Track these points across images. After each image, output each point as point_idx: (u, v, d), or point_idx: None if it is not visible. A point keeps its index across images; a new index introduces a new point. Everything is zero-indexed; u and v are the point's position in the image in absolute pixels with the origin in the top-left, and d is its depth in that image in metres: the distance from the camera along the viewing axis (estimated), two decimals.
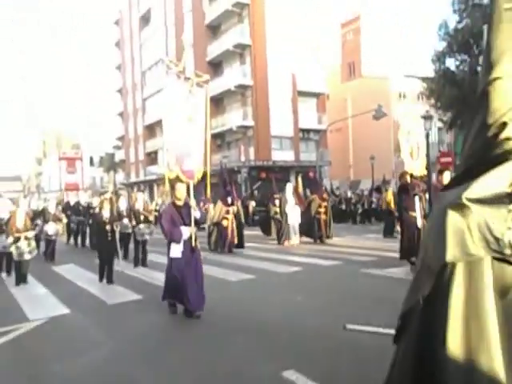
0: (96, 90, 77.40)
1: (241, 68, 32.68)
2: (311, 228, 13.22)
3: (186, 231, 5.36)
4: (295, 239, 12.99)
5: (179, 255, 5.32)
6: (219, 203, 12.03)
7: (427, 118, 16.90)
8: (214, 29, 35.31)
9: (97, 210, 9.03)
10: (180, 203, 5.52)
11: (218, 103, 35.51)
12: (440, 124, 28.17)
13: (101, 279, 7.91)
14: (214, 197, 13.06)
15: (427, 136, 18.16)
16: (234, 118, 32.64)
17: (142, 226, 9.92)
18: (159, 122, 45.61)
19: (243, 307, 5.92)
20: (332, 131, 36.43)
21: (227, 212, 11.81)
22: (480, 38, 17.97)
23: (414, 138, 8.78)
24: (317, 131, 34.44)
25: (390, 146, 37.43)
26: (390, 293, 6.44)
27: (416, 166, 8.49)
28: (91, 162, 63.86)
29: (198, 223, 5.66)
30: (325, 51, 35.92)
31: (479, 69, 21.71)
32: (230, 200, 11.90)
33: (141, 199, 10.47)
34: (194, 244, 5.43)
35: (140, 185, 49.58)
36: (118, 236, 8.05)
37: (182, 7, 39.30)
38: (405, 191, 8.24)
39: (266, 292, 6.82)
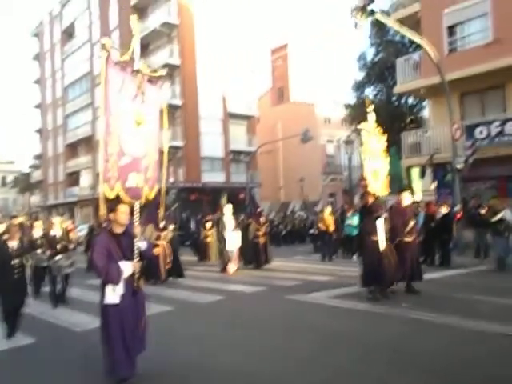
0: (10, 104, 71.98)
1: (170, 88, 32.16)
2: (249, 253, 12.57)
3: (127, 267, 3.95)
4: (234, 265, 11.94)
5: (116, 300, 3.91)
6: (150, 227, 10.50)
7: (348, 142, 17.74)
8: (143, 48, 34.54)
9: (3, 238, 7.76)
10: (119, 230, 4.06)
11: None
12: None
13: (10, 334, 5.91)
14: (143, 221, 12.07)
15: (349, 159, 19.04)
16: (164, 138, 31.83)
17: (58, 257, 8.02)
18: (83, 141, 43.51)
19: (150, 346, 5.35)
20: (262, 153, 36.91)
21: (158, 238, 10.44)
22: (393, 70, 19.30)
23: (375, 157, 8.06)
24: (247, 153, 34.69)
25: (318, 169, 38.71)
26: (313, 319, 6.31)
27: (379, 187, 7.78)
28: (3, 183, 58.76)
29: (143, 257, 4.19)
30: (256, 75, 36.67)
31: (394, 98, 23.42)
32: (162, 224, 10.65)
33: (58, 224, 8.67)
34: (136, 284, 4.08)
35: (59, 207, 46.36)
36: (29, 272, 6.71)
37: (108, 22, 38.18)
38: (366, 213, 7.61)
39: (181, 325, 6.32)
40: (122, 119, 4.05)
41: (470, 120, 15.82)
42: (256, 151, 32.46)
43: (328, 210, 14.83)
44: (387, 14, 20.31)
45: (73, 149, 45.87)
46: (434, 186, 15.70)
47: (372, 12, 10.66)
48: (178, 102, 31.43)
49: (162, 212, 4.99)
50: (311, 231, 18.12)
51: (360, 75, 25.06)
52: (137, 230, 4.15)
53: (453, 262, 11.49)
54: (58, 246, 8.15)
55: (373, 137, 7.98)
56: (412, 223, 7.99)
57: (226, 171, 34.17)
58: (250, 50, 35.11)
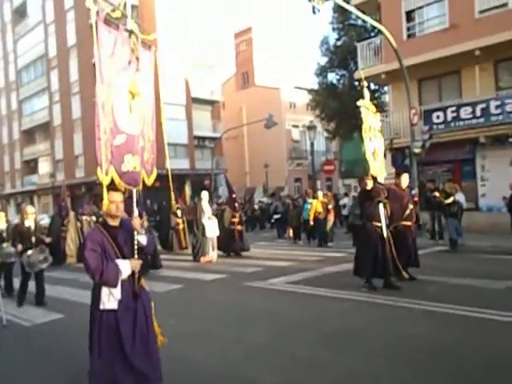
0: None
1: None
2: (225, 241, 11.92)
3: (126, 266, 3.28)
4: (214, 254, 11.43)
5: (114, 306, 3.25)
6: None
7: (311, 127, 17.77)
8: None
9: None
10: (114, 223, 3.40)
11: None
12: (326, 134, 29.84)
13: None
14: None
15: (312, 145, 19.13)
16: None
17: (29, 252, 6.96)
18: (40, 127, 41.66)
19: None
20: (228, 139, 36.57)
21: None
22: (356, 55, 19.39)
23: (375, 136, 7.55)
24: (212, 139, 34.27)
25: (283, 154, 38.80)
26: (268, 306, 6.30)
27: (379, 169, 7.28)
28: None
29: (143, 253, 3.53)
30: (219, 60, 36.02)
31: (356, 84, 23.60)
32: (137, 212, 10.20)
33: (32, 215, 7.51)
34: (137, 286, 3.41)
35: (17, 196, 44.49)
36: None
37: (62, 3, 36.39)
38: (367, 198, 7.11)
39: None
40: (114, 89, 3.37)
41: (427, 105, 16.14)
42: (221, 137, 32.11)
43: (320, 195, 14.16)
44: None
45: (29, 135, 43.89)
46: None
47: None
48: None
49: (172, 198, 3.99)
50: (275, 216, 18.17)
51: (323, 60, 25.11)
52: (136, 222, 3.46)
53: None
54: (33, 239, 7.21)
55: (371, 114, 7.47)
56: (411, 207, 7.66)
57: (191, 157, 33.68)
58: (213, 34, 34.39)
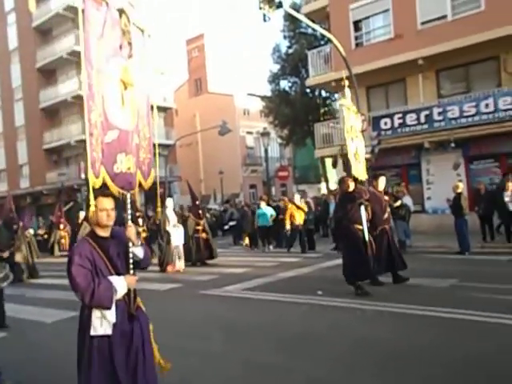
0: None
1: (78, 77, 29.99)
2: (190, 250, 11.49)
3: (121, 284, 2.82)
4: (181, 263, 11.03)
5: (108, 331, 2.77)
6: (84, 225, 9.24)
7: (264, 134, 17.95)
8: (44, 33, 31.85)
9: None
10: (104, 233, 2.93)
11: (52, 115, 32.02)
12: (280, 140, 30.17)
13: None
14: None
15: (266, 151, 19.26)
16: (73, 131, 29.71)
17: None
18: None
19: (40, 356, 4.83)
20: (182, 146, 36.07)
21: None
22: (307, 63, 19.81)
23: (356, 136, 7.33)
24: (166, 146, 33.66)
25: (238, 160, 38.81)
26: (223, 313, 6.19)
27: (361, 170, 7.10)
28: None
29: (140, 267, 3.07)
30: (171, 66, 35.58)
31: (307, 91, 24.10)
32: None
33: None
34: (133, 306, 2.97)
35: None
36: None
37: (2, 5, 34.61)
38: (348, 200, 6.89)
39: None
40: (104, 77, 2.88)
41: (375, 112, 16.74)
42: (174, 144, 31.60)
43: (296, 198, 13.40)
44: (299, 6, 20.75)
45: None
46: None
47: (280, 4, 10.67)
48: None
49: (158, 204, 3.32)
50: (231, 223, 18.07)
51: (275, 67, 25.41)
52: (130, 231, 2.92)
53: None
54: None
55: (352, 114, 7.33)
56: (388, 210, 7.64)
57: None
58: (164, 40, 33.93)
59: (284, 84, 25.44)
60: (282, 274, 9.12)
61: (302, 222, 12.90)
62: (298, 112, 23.49)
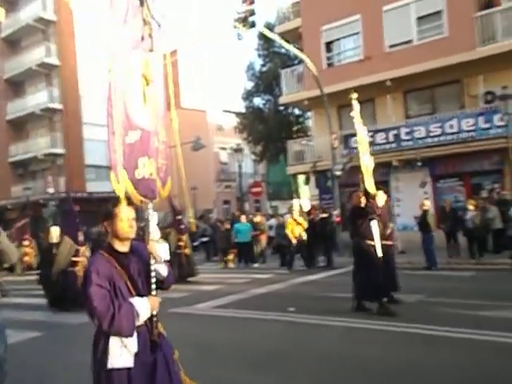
0: None
1: (47, 89, 29.44)
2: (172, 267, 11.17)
3: (144, 307, 2.45)
4: None
5: (129, 363, 2.38)
6: (66, 240, 8.60)
7: (238, 150, 18.10)
8: (13, 44, 31.22)
9: None
10: (123, 248, 2.57)
11: (19, 127, 31.17)
12: (254, 156, 30.37)
13: None
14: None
15: (239, 167, 19.37)
16: (40, 144, 29.00)
17: None
18: None
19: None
20: None
21: (76, 253, 8.53)
22: (280, 81, 20.19)
23: (367, 149, 7.07)
24: None
25: (211, 176, 38.72)
26: (192, 332, 6.08)
27: (371, 184, 6.79)
28: None
29: (164, 287, 2.70)
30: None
31: (281, 108, 24.50)
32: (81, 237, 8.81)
33: None
34: (155, 333, 2.56)
35: None
36: None
37: None
38: (359, 215, 6.69)
39: (53, 350, 5.66)
40: (127, 70, 2.62)
41: (346, 130, 17.14)
42: None
43: (295, 212, 12.84)
44: (273, 26, 21.19)
45: None
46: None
47: (253, 24, 10.89)
48: (56, 105, 28.90)
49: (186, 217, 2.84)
50: (203, 239, 17.90)
51: (249, 85, 25.76)
52: (153, 246, 2.61)
53: (335, 263, 12.27)
54: None
55: (361, 125, 7.12)
56: (391, 225, 7.44)
57: None
58: None
59: (258, 101, 25.82)
60: (254, 291, 9.08)
61: (302, 238, 12.50)
62: (271, 129, 23.79)
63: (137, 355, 2.39)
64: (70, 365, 4.96)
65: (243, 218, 14.56)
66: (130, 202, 2.55)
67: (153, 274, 2.58)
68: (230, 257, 15.37)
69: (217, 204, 38.08)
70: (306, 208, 13.38)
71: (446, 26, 14.96)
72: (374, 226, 6.55)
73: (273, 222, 18.36)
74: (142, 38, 2.74)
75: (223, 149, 39.49)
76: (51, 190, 27.46)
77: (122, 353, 2.36)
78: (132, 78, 2.66)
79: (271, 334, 5.81)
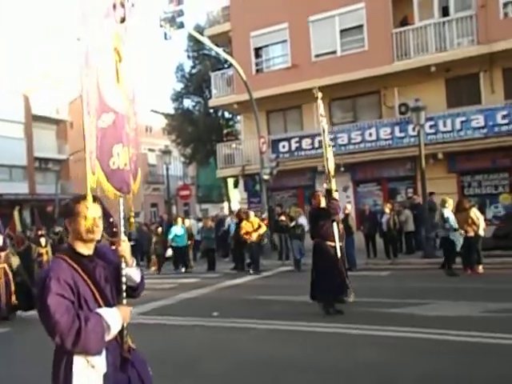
0: None
1: None
2: None
3: (115, 318, 2.09)
4: None
5: (99, 383, 2.04)
6: None
7: (166, 152, 17.71)
8: None
9: None
10: (87, 250, 2.16)
11: None
12: (183, 158, 29.93)
13: None
14: None
15: (167, 169, 18.93)
16: None
17: None
18: None
19: None
20: (77, 162, 33.73)
21: None
22: (210, 83, 20.10)
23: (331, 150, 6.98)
24: (57, 161, 31.30)
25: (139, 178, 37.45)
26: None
27: (333, 184, 6.77)
28: None
29: (135, 294, 2.33)
30: (67, 77, 33.42)
31: (211, 111, 24.40)
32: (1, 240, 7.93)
33: None
34: (125, 345, 2.24)
35: None
36: None
37: None
38: (320, 216, 6.62)
39: None
40: (99, 41, 2.25)
41: (275, 135, 17.51)
42: (68, 159, 29.53)
43: (251, 215, 12.53)
44: (203, 28, 21.05)
45: None
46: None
47: (182, 25, 10.73)
48: None
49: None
50: (130, 243, 17.22)
51: (179, 86, 25.33)
52: (124, 247, 2.19)
53: (261, 266, 12.41)
54: None
55: (327, 125, 7.06)
56: (341, 227, 7.21)
57: (30, 181, 30.03)
58: (56, 52, 31.79)
59: (187, 103, 25.47)
60: (179, 296, 8.91)
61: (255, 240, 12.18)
62: (201, 131, 23.59)
63: (106, 376, 2.02)
64: None
65: (179, 221, 14.21)
66: (94, 198, 2.17)
67: (123, 279, 2.22)
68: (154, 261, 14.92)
69: (145, 207, 36.91)
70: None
71: (366, 40, 15.89)
72: (334, 226, 6.56)
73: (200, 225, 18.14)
74: (114, 6, 2.38)
75: (151, 150, 38.42)
76: None
77: (88, 375, 1.99)
78: (105, 50, 2.30)
79: (193, 340, 5.72)
